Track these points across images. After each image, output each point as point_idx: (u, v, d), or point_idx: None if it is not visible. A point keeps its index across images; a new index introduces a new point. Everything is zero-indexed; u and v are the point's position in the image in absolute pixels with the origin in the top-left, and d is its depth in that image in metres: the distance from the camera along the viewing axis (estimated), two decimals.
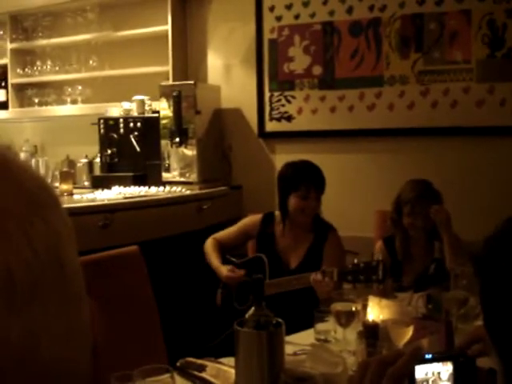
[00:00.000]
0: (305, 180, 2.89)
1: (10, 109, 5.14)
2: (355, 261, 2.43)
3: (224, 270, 2.91)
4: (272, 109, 4.38)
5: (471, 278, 2.09)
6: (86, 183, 4.66)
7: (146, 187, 4.06)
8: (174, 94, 4.05)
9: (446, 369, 0.96)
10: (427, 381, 0.95)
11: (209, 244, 3.09)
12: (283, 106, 4.34)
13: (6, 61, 5.08)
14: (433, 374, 0.96)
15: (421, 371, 0.95)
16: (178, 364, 1.85)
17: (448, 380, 0.96)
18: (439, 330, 1.89)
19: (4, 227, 0.42)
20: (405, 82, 3.97)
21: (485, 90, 3.76)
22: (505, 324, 0.67)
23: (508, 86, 3.71)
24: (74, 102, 4.89)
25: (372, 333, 1.87)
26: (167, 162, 4.17)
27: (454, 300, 2.14)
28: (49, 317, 0.43)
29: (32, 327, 0.42)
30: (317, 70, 4.22)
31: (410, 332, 1.83)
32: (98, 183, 4.30)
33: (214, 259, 3.01)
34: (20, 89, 5.17)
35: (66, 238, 0.48)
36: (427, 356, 0.96)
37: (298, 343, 2.02)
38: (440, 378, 0.96)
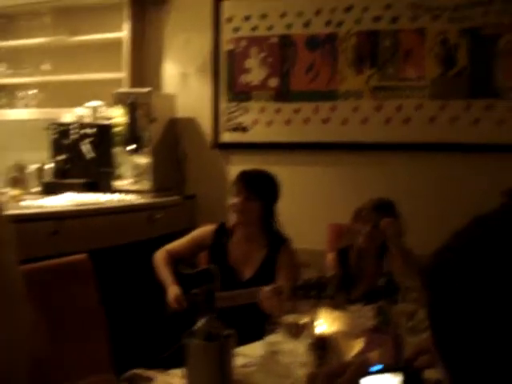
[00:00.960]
0: (237, 179, 2.96)
1: None
2: (306, 277, 2.43)
3: (171, 293, 2.84)
4: (227, 119, 4.38)
5: (421, 291, 2.11)
6: (36, 189, 4.57)
7: (98, 194, 4.00)
8: (129, 101, 4.01)
9: (393, 381, 0.97)
10: None
11: (159, 257, 3.03)
12: (239, 116, 4.35)
13: None
14: None
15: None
16: (124, 377, 1.81)
17: None
18: (387, 343, 1.91)
19: None
20: (359, 97, 4.02)
21: (437, 107, 3.84)
22: (452, 338, 0.68)
23: (459, 104, 3.79)
24: (26, 106, 4.79)
25: (321, 345, 1.87)
26: (120, 169, 4.12)
27: (403, 313, 2.16)
28: None
29: None
30: (273, 83, 4.24)
31: (359, 344, 1.85)
32: (49, 189, 4.21)
33: (164, 275, 2.95)
34: None
35: (6, 243, 0.46)
36: (373, 368, 0.96)
37: (248, 355, 2.01)
38: None
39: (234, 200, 2.93)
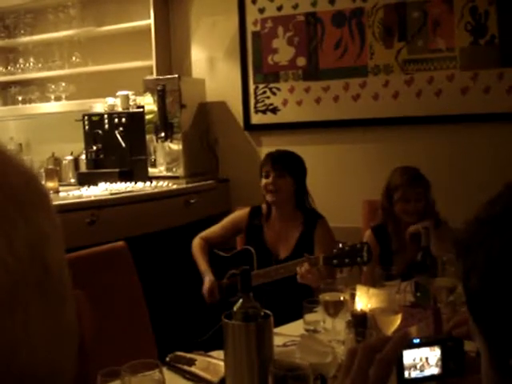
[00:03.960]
0: (264, 162, 2.98)
1: None
2: (340, 245, 2.44)
3: (206, 282, 2.91)
4: (257, 101, 4.37)
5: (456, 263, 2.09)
6: (72, 180, 4.64)
7: (133, 183, 4.04)
8: (159, 88, 4.03)
9: (433, 354, 0.96)
10: (415, 366, 0.95)
11: (196, 245, 3.08)
12: (268, 98, 4.33)
13: None
14: (420, 359, 0.96)
15: (409, 356, 0.95)
16: (167, 359, 1.84)
17: (436, 365, 0.96)
18: (427, 318, 1.90)
19: None
20: (389, 72, 3.97)
21: (469, 77, 3.77)
22: (487, 306, 0.68)
23: (491, 73, 3.72)
24: (57, 98, 4.85)
25: (360, 322, 1.87)
26: (153, 156, 4.15)
27: (442, 287, 2.15)
28: (29, 322, 0.42)
29: (10, 333, 0.40)
30: (301, 62, 4.22)
31: (398, 320, 1.84)
32: (84, 180, 4.28)
33: (200, 262, 3.01)
34: (3, 87, 5.13)
35: (52, 238, 0.46)
36: (415, 341, 0.96)
37: (287, 334, 2.02)
38: (428, 363, 0.96)
39: (265, 181, 2.94)
